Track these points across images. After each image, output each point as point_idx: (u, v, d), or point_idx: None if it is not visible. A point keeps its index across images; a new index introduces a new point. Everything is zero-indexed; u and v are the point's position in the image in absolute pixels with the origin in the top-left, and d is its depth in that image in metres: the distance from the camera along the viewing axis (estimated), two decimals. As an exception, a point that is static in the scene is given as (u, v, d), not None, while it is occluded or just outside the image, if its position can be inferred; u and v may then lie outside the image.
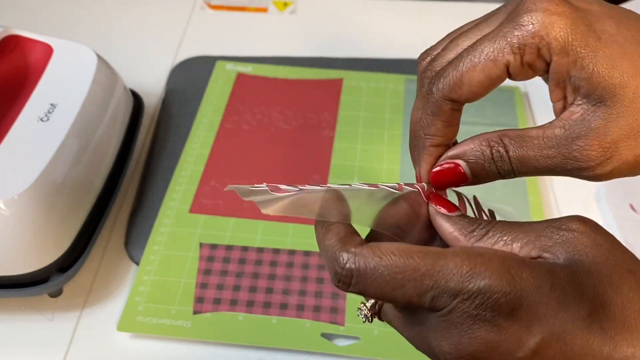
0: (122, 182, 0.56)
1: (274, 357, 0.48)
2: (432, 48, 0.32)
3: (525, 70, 0.28)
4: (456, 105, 0.29)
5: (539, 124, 0.31)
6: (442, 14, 0.81)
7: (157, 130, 0.65)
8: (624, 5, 0.31)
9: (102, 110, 0.54)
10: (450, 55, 0.30)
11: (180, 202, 0.58)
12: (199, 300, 0.50)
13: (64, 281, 0.48)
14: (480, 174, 0.30)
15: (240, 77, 0.70)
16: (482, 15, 0.31)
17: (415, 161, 0.32)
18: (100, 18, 0.80)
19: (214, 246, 0.54)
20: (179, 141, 0.63)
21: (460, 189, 0.32)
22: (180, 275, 0.52)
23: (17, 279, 0.47)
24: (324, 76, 0.71)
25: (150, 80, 0.70)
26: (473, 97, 0.29)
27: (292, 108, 0.67)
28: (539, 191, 0.59)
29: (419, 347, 0.29)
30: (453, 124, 0.30)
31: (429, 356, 0.29)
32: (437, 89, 0.29)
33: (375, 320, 0.31)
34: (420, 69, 0.32)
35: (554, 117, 0.29)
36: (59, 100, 0.52)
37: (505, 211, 0.33)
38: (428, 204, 0.30)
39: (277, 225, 0.56)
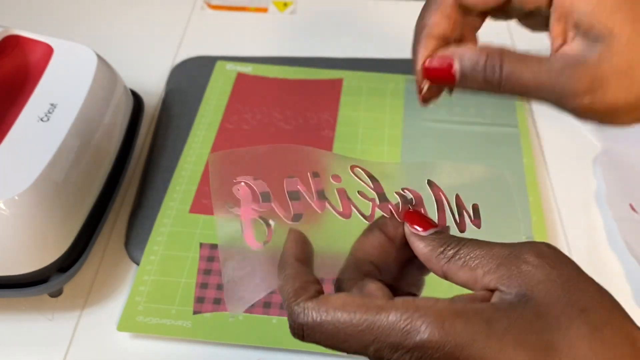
0: (122, 182, 0.56)
1: (274, 357, 0.48)
2: None
3: None
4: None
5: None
6: (442, 14, 0.81)
7: (157, 130, 0.65)
8: None
9: (102, 110, 0.54)
10: None
11: (180, 202, 0.58)
12: (199, 300, 0.50)
13: (64, 281, 0.48)
14: (467, 78, 0.31)
15: (240, 77, 0.70)
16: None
17: (413, 54, 0.32)
18: (100, 18, 0.80)
19: (214, 246, 0.54)
20: (179, 141, 0.63)
21: (444, 186, 0.32)
22: (180, 275, 0.52)
23: (17, 279, 0.46)
24: (324, 76, 0.71)
25: (150, 80, 0.70)
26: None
27: (292, 108, 0.67)
28: (539, 191, 0.59)
29: None
30: (452, 18, 0.31)
31: None
32: None
33: None
34: None
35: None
36: (59, 100, 0.52)
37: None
38: (403, 224, 0.31)
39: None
